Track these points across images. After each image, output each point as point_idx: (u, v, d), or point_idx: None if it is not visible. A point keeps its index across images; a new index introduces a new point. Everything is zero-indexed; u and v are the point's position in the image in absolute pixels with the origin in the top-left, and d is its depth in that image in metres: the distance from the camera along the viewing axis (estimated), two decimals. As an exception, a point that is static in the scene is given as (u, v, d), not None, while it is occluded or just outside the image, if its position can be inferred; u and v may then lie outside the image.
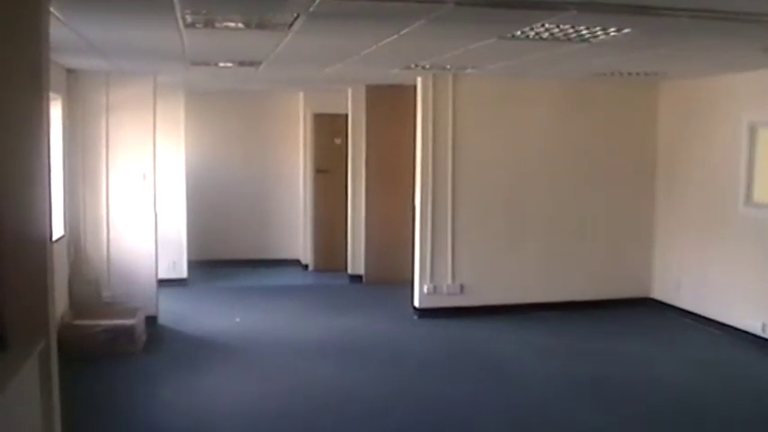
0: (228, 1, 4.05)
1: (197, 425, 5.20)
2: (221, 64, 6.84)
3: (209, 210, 10.59)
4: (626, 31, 4.57)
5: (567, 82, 8.17)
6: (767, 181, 7.15)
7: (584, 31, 4.67)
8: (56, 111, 7.01)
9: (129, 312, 7.06)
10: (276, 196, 11.16)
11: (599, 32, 4.68)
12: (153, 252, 7.64)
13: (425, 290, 8.04)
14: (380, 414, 5.41)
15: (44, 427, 3.16)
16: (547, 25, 4.46)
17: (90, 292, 7.44)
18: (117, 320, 6.81)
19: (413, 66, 6.93)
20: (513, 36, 4.83)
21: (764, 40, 5.01)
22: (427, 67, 6.98)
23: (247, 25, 4.61)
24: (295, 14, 4.22)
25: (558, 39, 4.93)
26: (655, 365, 6.60)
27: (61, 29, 4.67)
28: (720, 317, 7.55)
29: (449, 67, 7.02)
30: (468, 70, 7.28)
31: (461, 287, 8.11)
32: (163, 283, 8.33)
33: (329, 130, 10.61)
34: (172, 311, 8.06)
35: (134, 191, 7.54)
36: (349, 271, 10.10)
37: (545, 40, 4.95)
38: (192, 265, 9.83)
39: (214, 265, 10.56)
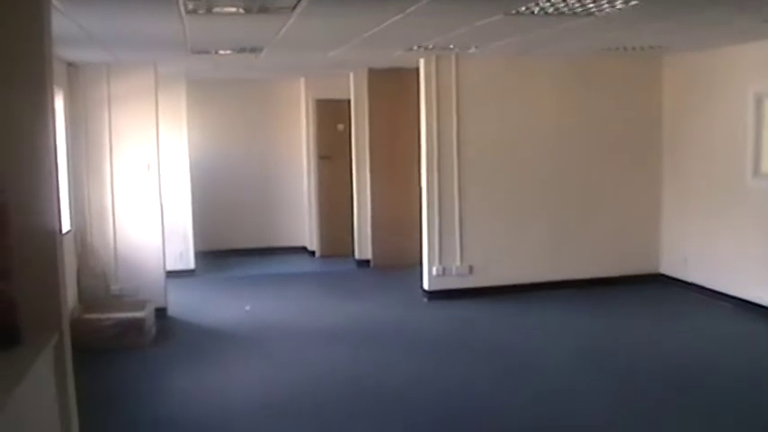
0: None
1: (208, 416, 5.18)
2: (222, 52, 6.78)
3: (213, 200, 10.55)
4: (633, 3, 4.51)
5: (571, 59, 8.10)
6: (776, 152, 7.11)
7: (589, 4, 4.61)
8: (58, 105, 6.96)
9: (137, 305, 7.04)
10: (280, 184, 11.12)
11: (605, 5, 4.62)
12: (160, 243, 7.61)
13: (434, 272, 8.01)
14: (394, 399, 5.38)
15: (61, 423, 3.14)
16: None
17: (98, 285, 7.42)
18: (126, 313, 6.78)
19: (416, 47, 6.87)
20: (519, 12, 4.77)
21: (772, 8, 4.95)
22: (430, 47, 6.92)
23: (249, 10, 4.55)
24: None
25: (563, 13, 4.87)
26: (666, 340, 6.58)
27: (61, 20, 4.61)
28: (730, 290, 7.51)
29: (452, 47, 6.96)
30: (472, 50, 7.21)
31: (470, 268, 8.09)
32: (170, 274, 8.29)
33: (332, 115, 10.55)
34: (181, 303, 8.04)
35: (139, 182, 7.51)
36: (356, 256, 10.08)
37: (550, 15, 4.89)
38: (199, 255, 9.81)
39: (221, 254, 10.55)
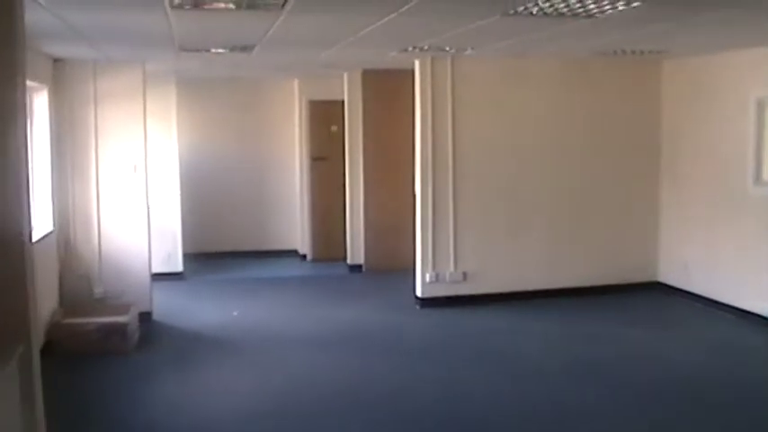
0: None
1: (190, 426, 4.99)
2: (213, 50, 6.60)
3: (204, 201, 10.38)
4: (635, 4, 4.35)
5: (569, 62, 7.95)
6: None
7: (591, 5, 4.44)
8: (42, 101, 6.79)
9: (121, 309, 6.85)
10: (272, 185, 10.94)
11: (607, 6, 4.45)
12: (146, 245, 7.42)
13: (427, 278, 7.83)
14: (384, 408, 5.22)
15: (27, 438, 2.95)
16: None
17: (81, 288, 7.22)
18: (109, 318, 6.60)
19: (411, 48, 6.70)
20: (517, 12, 4.60)
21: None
22: (426, 48, 6.75)
23: (238, 5, 4.37)
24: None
25: (563, 14, 4.70)
26: (664, 351, 6.42)
27: (41, 13, 4.44)
28: (731, 300, 7.35)
29: (448, 48, 6.79)
30: (468, 51, 7.05)
31: (464, 275, 7.91)
32: (158, 276, 8.15)
33: (325, 116, 10.39)
34: (167, 306, 7.85)
35: (125, 183, 7.32)
36: (348, 260, 9.90)
37: (549, 16, 4.72)
38: (188, 257, 9.63)
39: (210, 257, 10.36)
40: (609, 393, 5.43)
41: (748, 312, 7.10)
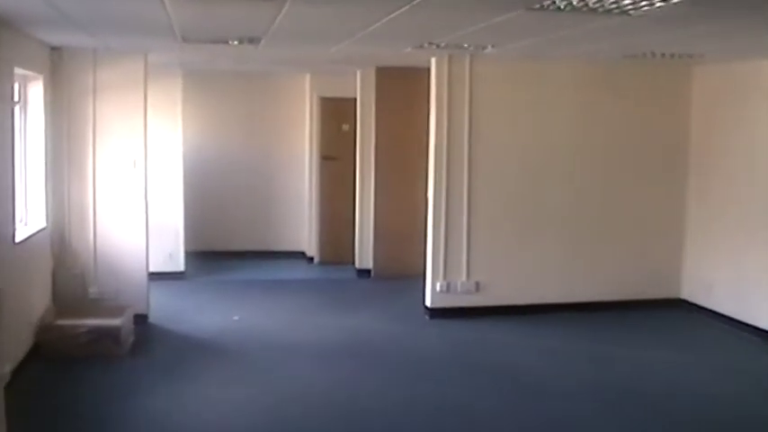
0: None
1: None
2: (216, 42, 6.24)
3: (208, 198, 10.06)
4: (675, 1, 3.95)
5: (594, 65, 7.55)
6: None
7: (625, 1, 4.05)
8: (37, 91, 6.47)
9: (115, 311, 6.53)
10: (280, 184, 10.60)
11: (643, 3, 4.05)
12: (143, 244, 7.09)
13: (438, 288, 7.45)
14: (388, 426, 4.91)
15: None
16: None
17: (75, 287, 6.90)
18: (101, 320, 6.28)
19: (426, 44, 6.32)
20: (543, 6, 4.21)
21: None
22: (443, 45, 6.36)
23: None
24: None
25: (593, 10, 4.31)
26: (685, 374, 6.04)
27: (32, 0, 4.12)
28: (758, 322, 6.93)
29: (467, 45, 6.40)
30: (488, 50, 6.66)
31: (477, 285, 7.52)
32: (158, 276, 7.88)
33: (337, 114, 10.06)
34: (165, 308, 7.52)
35: (123, 179, 6.99)
36: (356, 264, 9.56)
37: (578, 10, 4.33)
38: (190, 256, 9.31)
39: (214, 256, 10.03)
40: (624, 422, 5.04)
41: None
